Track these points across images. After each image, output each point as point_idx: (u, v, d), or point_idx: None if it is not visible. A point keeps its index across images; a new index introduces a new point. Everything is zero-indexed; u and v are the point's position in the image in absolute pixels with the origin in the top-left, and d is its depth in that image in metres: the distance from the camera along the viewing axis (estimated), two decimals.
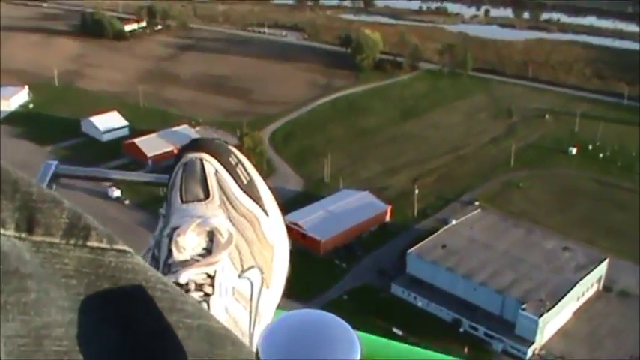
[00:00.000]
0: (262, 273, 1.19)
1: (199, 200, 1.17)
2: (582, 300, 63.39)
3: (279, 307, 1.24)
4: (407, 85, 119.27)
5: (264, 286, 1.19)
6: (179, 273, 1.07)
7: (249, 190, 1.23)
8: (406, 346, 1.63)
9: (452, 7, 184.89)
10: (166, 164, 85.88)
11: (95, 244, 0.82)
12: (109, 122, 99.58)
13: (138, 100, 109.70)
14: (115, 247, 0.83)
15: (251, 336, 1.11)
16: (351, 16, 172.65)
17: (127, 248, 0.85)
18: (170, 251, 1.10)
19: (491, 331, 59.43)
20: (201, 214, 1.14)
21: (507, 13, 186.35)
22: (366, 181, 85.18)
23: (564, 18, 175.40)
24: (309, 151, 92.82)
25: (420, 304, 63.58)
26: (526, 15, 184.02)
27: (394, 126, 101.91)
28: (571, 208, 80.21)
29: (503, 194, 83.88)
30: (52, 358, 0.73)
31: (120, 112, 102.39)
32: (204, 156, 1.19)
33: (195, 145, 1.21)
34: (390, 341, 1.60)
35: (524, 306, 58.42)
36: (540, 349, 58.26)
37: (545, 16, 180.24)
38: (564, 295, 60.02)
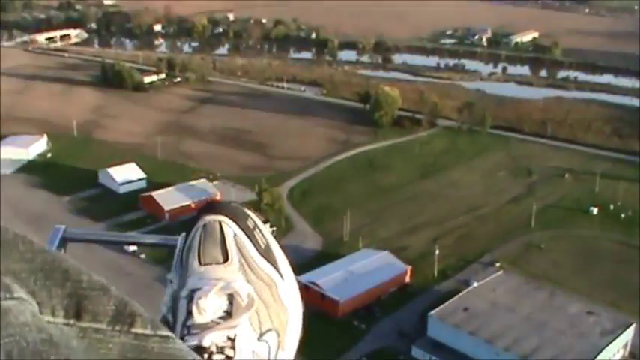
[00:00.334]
0: (279, 335, 1.23)
1: (218, 263, 1.20)
2: None
3: None
4: (425, 142, 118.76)
5: (280, 348, 1.23)
6: (202, 336, 1.09)
7: (267, 253, 1.27)
8: None
9: (469, 64, 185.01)
10: (183, 219, 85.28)
11: (139, 330, 0.85)
12: (126, 174, 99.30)
13: (156, 153, 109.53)
14: (159, 332, 0.86)
15: None
16: (368, 72, 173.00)
17: (169, 334, 0.87)
18: (189, 313, 1.13)
19: None
20: (220, 277, 1.17)
21: (524, 70, 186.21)
22: (385, 240, 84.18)
23: (582, 76, 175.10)
24: (328, 208, 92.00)
25: None
26: (543, 73, 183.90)
27: (413, 184, 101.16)
28: (594, 270, 78.78)
29: (525, 255, 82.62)
30: None
31: (137, 164, 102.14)
32: (223, 219, 1.22)
33: (213, 208, 1.24)
34: None
35: None
36: None
37: (562, 74, 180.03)
38: None
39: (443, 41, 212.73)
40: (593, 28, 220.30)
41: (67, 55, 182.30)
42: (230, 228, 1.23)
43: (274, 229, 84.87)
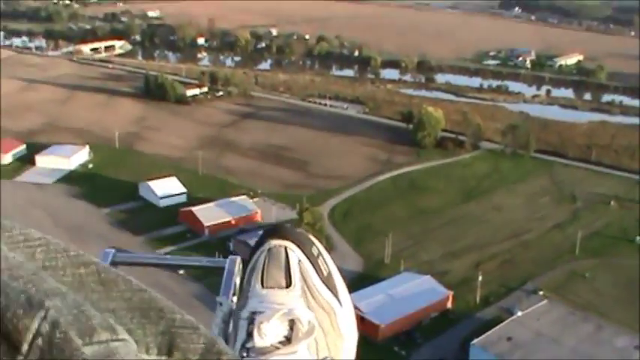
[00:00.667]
0: None
1: (281, 287, 1.22)
2: None
3: None
4: (468, 164, 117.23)
5: None
6: None
7: (329, 281, 1.29)
8: None
9: (513, 86, 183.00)
10: (223, 234, 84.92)
11: None
12: (167, 188, 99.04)
13: (196, 167, 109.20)
14: None
15: None
16: (410, 91, 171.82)
17: None
18: (250, 335, 1.15)
19: None
20: (282, 302, 1.19)
21: (568, 93, 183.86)
22: (426, 264, 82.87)
23: (627, 100, 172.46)
24: (369, 229, 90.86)
25: None
26: (587, 96, 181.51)
27: (455, 207, 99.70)
28: None
29: (568, 284, 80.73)
30: None
31: (178, 178, 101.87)
32: (289, 244, 1.25)
33: (280, 233, 1.26)
34: None
35: None
36: None
37: (606, 97, 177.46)
38: None
39: (486, 62, 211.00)
40: (638, 52, 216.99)
41: (110, 65, 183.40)
42: (295, 254, 1.25)
43: None
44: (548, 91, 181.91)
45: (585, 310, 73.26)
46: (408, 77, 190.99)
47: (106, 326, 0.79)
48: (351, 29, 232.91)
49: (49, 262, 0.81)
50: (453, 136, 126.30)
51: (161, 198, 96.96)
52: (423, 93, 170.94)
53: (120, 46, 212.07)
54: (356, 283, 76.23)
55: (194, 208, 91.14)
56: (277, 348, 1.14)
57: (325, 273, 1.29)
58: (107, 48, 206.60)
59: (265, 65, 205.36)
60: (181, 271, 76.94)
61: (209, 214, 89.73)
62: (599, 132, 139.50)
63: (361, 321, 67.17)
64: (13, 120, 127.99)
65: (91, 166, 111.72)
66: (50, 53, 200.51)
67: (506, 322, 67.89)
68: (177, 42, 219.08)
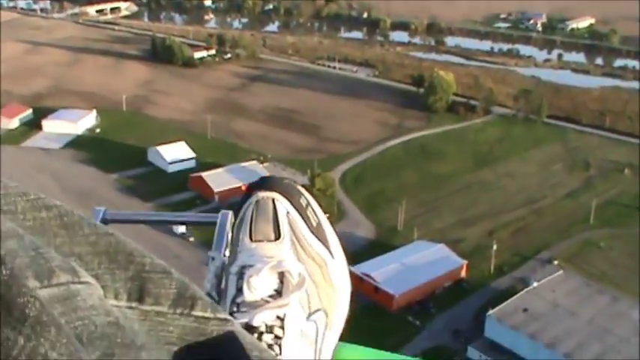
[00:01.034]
0: (327, 316, 1.22)
1: (270, 240, 1.17)
2: None
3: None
4: (480, 129, 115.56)
5: (327, 329, 1.22)
6: (252, 315, 1.09)
7: (319, 232, 1.24)
8: (389, 353, 1.61)
9: (524, 50, 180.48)
10: (233, 201, 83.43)
11: (200, 313, 0.85)
12: (176, 153, 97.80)
13: (205, 131, 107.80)
14: (218, 316, 0.86)
15: None
16: (420, 54, 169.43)
17: (228, 317, 0.88)
18: (239, 290, 1.12)
19: None
20: (271, 255, 1.15)
21: (580, 58, 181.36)
22: (439, 232, 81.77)
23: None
24: (381, 195, 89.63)
25: None
26: (599, 61, 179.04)
27: (468, 173, 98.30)
28: None
29: (583, 254, 79.59)
30: None
31: (187, 143, 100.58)
32: (276, 196, 1.19)
33: (266, 184, 1.21)
34: (374, 350, 1.58)
35: None
36: None
37: (619, 62, 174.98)
38: None
39: (497, 25, 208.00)
40: None
41: (116, 28, 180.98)
42: (283, 205, 1.20)
43: (327, 215, 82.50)
44: (560, 56, 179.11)
45: (601, 281, 72.27)
46: (417, 40, 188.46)
47: (66, 268, 0.74)
48: None
49: (8, 206, 0.77)
50: (464, 100, 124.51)
51: (170, 163, 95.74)
52: (433, 56, 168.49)
53: (125, 7, 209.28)
54: (368, 250, 75.46)
55: (204, 174, 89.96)
56: (267, 302, 1.11)
57: (315, 224, 1.23)
58: (113, 10, 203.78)
59: (273, 27, 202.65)
60: (181, 230, 76.31)
61: (219, 180, 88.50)
62: (612, 98, 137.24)
63: (375, 291, 66.66)
64: (19, 84, 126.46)
65: (98, 130, 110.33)
66: (55, 15, 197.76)
67: (521, 293, 66.81)
68: (184, 3, 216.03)
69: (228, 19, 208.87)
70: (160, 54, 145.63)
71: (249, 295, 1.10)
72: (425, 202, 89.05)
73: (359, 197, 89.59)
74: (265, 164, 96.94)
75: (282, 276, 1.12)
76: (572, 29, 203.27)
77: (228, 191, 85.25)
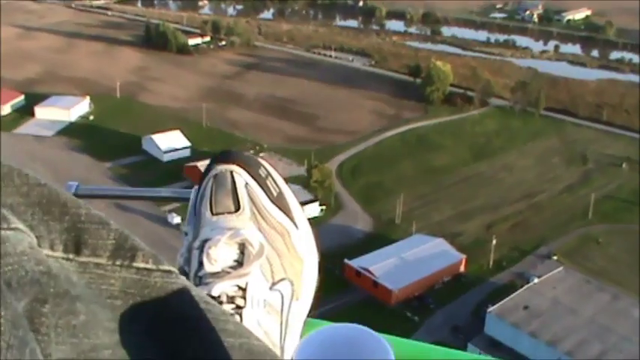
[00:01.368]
0: (292, 285, 1.20)
1: (230, 212, 1.16)
2: None
3: (308, 319, 1.26)
4: (477, 121, 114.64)
5: (294, 299, 1.20)
6: (211, 285, 1.08)
7: (279, 202, 1.22)
8: (440, 348, 1.65)
9: (520, 41, 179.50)
10: None
11: (141, 265, 0.83)
12: (171, 141, 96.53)
13: (200, 119, 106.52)
14: (161, 267, 0.84)
15: (282, 349, 1.14)
16: (416, 44, 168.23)
17: (172, 269, 0.86)
18: (201, 263, 1.11)
19: None
20: (232, 227, 1.14)
21: (576, 49, 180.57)
22: (437, 225, 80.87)
23: (636, 58, 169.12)
24: (378, 187, 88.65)
25: None
26: (595, 53, 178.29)
27: (465, 165, 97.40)
28: None
29: (582, 249, 78.81)
30: None
31: (182, 131, 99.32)
32: (235, 168, 1.19)
33: (225, 157, 1.20)
34: (424, 344, 1.62)
35: None
36: None
37: (615, 55, 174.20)
38: None
39: (492, 15, 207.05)
40: None
41: (109, 13, 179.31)
42: (241, 177, 1.18)
43: (324, 207, 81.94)
44: (557, 47, 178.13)
45: (600, 277, 71.52)
46: (413, 29, 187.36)
47: None
48: None
49: None
50: (461, 91, 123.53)
51: (165, 152, 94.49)
52: (429, 46, 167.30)
53: None
54: (366, 243, 74.61)
55: (199, 163, 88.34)
56: (228, 272, 1.09)
57: (275, 193, 1.21)
58: None
59: (268, 15, 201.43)
60: (176, 221, 75.28)
61: None
62: (609, 91, 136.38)
63: (374, 285, 65.84)
64: (11, 69, 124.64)
65: (92, 117, 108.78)
66: (48, 0, 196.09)
67: (522, 289, 65.98)
68: None
69: (223, 6, 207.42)
70: (154, 40, 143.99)
71: (209, 267, 1.09)
72: (423, 194, 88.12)
73: (356, 189, 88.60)
74: (261, 154, 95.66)
75: (242, 247, 1.12)
76: (569, 20, 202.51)
77: None
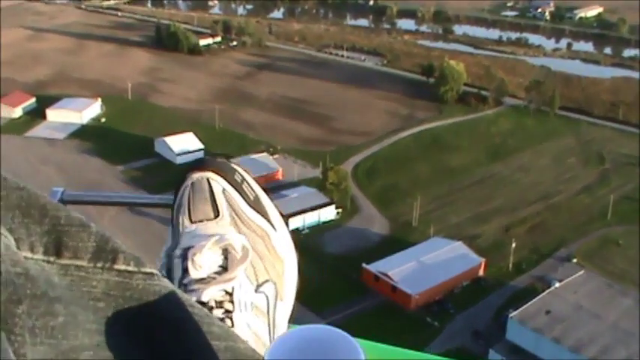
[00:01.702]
0: (276, 286, 1.21)
1: (209, 219, 1.17)
2: None
3: (291, 320, 1.28)
4: (492, 121, 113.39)
5: (278, 299, 1.22)
6: (200, 291, 1.08)
7: (257, 206, 1.24)
8: (411, 352, 1.66)
9: (532, 39, 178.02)
10: None
11: (122, 267, 0.83)
12: (184, 144, 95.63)
13: (213, 121, 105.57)
14: (142, 270, 0.84)
15: None
16: (428, 43, 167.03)
17: (154, 271, 0.86)
18: (185, 271, 1.11)
19: None
20: (212, 233, 1.15)
21: (589, 47, 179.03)
22: (455, 227, 79.82)
23: None
24: (394, 189, 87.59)
25: None
26: (608, 50, 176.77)
27: (481, 166, 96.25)
28: None
29: (602, 252, 77.55)
30: None
31: (194, 133, 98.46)
32: (211, 175, 1.19)
33: (200, 165, 1.21)
34: (395, 348, 1.63)
35: None
36: None
37: (628, 52, 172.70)
38: None
39: (504, 13, 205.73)
40: None
41: (119, 13, 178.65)
42: (218, 183, 1.19)
43: (340, 210, 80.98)
44: (569, 45, 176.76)
45: (621, 281, 70.33)
46: (424, 28, 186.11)
47: None
48: None
49: None
50: (475, 91, 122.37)
51: (178, 154, 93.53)
52: (441, 45, 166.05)
53: None
54: (384, 247, 73.63)
55: None
56: (214, 278, 1.10)
57: (252, 197, 1.24)
58: None
59: (278, 14, 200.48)
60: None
61: None
62: (624, 89, 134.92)
63: (393, 290, 64.80)
64: (22, 71, 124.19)
65: (103, 120, 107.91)
66: (58, 1, 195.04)
67: (543, 294, 64.82)
68: None
69: (233, 5, 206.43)
70: (165, 41, 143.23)
71: (195, 274, 1.09)
72: (439, 196, 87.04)
73: (372, 191, 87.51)
74: (275, 156, 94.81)
75: (226, 252, 1.13)
76: (581, 18, 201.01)
77: None
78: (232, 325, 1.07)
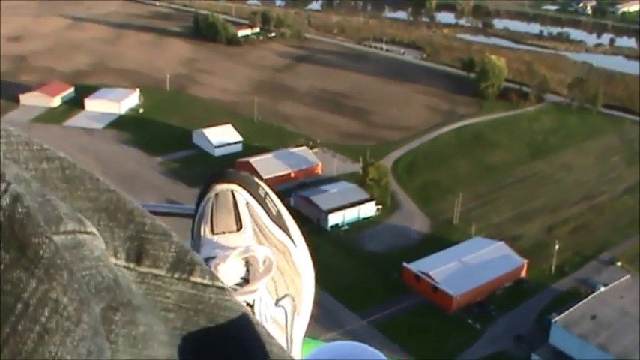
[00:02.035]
0: (294, 301, 1.23)
1: (231, 231, 1.18)
2: None
3: (308, 334, 1.30)
4: (533, 118, 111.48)
5: (296, 314, 1.23)
6: None
7: (279, 221, 1.25)
8: None
9: (574, 34, 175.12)
10: (282, 188, 79.81)
11: (198, 279, 0.83)
12: (222, 136, 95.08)
13: (252, 113, 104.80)
14: (216, 284, 0.84)
15: None
16: (468, 37, 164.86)
17: (225, 286, 0.86)
18: None
19: None
20: (234, 245, 1.15)
21: (632, 43, 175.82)
22: (496, 227, 78.47)
23: None
24: (435, 186, 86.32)
25: None
26: None
27: (524, 164, 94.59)
28: None
29: None
30: None
31: (233, 125, 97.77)
32: (235, 187, 1.20)
33: (224, 177, 1.21)
34: None
35: None
36: None
37: None
38: None
39: (545, 7, 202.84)
40: None
41: (157, 3, 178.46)
42: (242, 196, 1.21)
43: (380, 207, 79.94)
44: (612, 41, 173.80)
45: None
46: (464, 22, 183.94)
47: (74, 217, 0.71)
48: None
49: (11, 154, 0.71)
50: (516, 87, 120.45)
51: (216, 147, 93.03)
52: (481, 39, 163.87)
53: None
54: (425, 245, 72.50)
55: (252, 159, 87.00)
56: (235, 289, 1.10)
57: (274, 212, 1.25)
58: None
59: (316, 5, 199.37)
60: None
61: (267, 166, 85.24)
62: None
63: (434, 290, 63.69)
64: (60, 60, 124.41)
65: (141, 110, 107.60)
66: None
67: (588, 298, 63.34)
68: None
69: None
70: (203, 31, 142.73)
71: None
72: (480, 194, 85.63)
73: (412, 188, 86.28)
74: (314, 150, 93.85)
75: (248, 264, 1.13)
76: (623, 13, 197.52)
77: (277, 178, 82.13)
78: None
